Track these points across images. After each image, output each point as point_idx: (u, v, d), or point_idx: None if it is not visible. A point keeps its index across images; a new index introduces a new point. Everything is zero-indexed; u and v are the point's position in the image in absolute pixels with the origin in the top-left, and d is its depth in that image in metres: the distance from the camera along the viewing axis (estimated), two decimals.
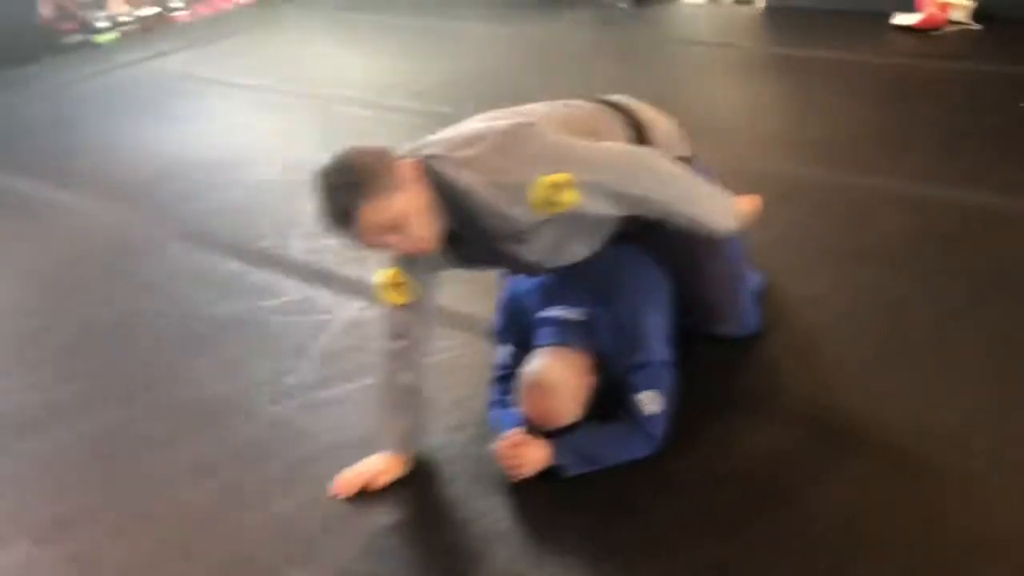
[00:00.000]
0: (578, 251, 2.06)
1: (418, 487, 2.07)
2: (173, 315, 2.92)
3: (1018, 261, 2.58)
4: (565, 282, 2.16)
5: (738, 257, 2.31)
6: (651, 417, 2.02)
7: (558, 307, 2.13)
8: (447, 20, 6.01)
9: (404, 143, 1.91)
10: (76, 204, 3.88)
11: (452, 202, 1.82)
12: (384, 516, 2.00)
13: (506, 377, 2.18)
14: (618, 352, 2.08)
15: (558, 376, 2.02)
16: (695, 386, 2.16)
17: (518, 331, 2.21)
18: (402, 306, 2.01)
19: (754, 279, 2.48)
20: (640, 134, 2.10)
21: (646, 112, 2.18)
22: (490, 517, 1.95)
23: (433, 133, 1.94)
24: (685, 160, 2.10)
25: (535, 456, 2.00)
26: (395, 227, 1.77)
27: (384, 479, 2.06)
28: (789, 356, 2.32)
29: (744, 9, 5.47)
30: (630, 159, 1.93)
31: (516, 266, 2.07)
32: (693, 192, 1.99)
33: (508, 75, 4.70)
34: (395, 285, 1.99)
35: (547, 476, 1.99)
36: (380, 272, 2.01)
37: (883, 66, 4.20)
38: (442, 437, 2.18)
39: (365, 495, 2.04)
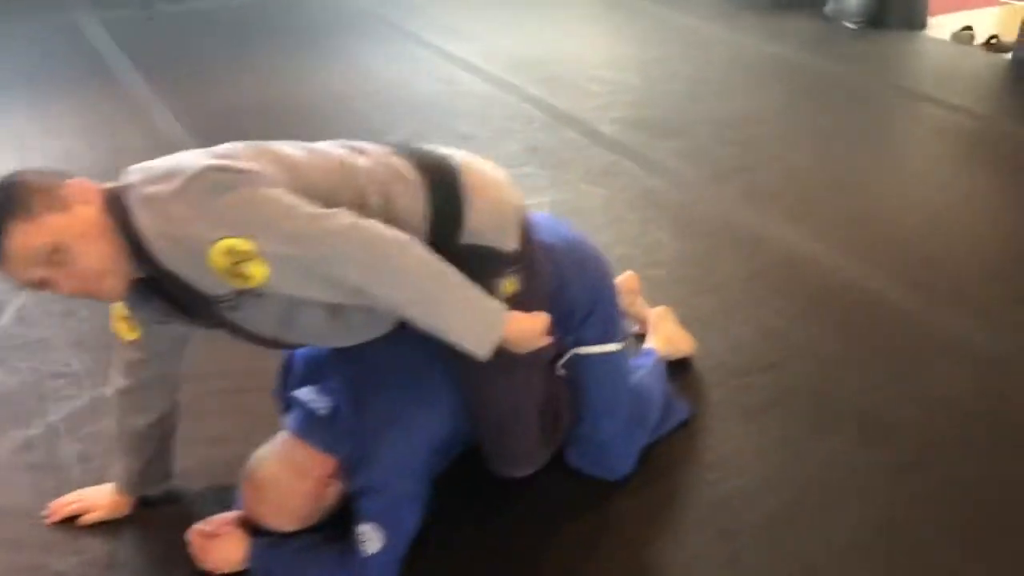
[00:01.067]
0: (328, 328, 1.68)
1: (114, 536, 1.88)
2: None
3: None
4: (333, 359, 1.82)
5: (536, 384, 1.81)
6: (367, 558, 1.67)
7: (310, 389, 1.79)
8: (666, 7, 5.52)
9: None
10: None
11: (136, 246, 1.53)
12: (61, 561, 1.83)
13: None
14: (353, 465, 1.72)
15: (276, 476, 1.73)
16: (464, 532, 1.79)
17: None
18: (132, 342, 1.79)
19: (648, 416, 1.98)
20: (445, 208, 1.65)
21: (474, 174, 1.70)
22: None
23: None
24: (507, 254, 1.68)
25: (227, 556, 1.74)
26: (52, 258, 1.51)
27: (95, 516, 1.91)
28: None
29: (992, 58, 4.45)
30: (354, 235, 1.50)
31: (249, 337, 1.72)
32: (439, 295, 1.55)
33: (693, 83, 4.19)
34: (122, 318, 1.77)
35: None
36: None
37: None
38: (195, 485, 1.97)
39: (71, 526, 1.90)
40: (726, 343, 2.39)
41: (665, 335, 2.25)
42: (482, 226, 1.67)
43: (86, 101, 4.26)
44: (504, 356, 1.64)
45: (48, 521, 1.91)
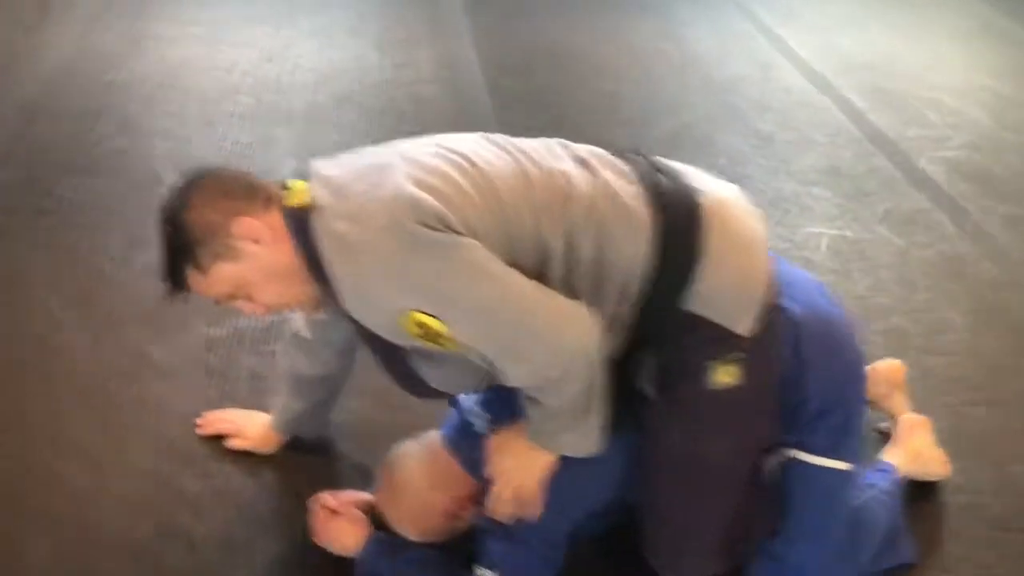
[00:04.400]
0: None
1: (249, 472, 1.80)
2: None
3: None
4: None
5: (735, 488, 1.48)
6: None
7: (478, 399, 1.58)
8: None
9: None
10: None
11: (317, 271, 1.34)
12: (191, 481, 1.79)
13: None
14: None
15: (414, 481, 1.58)
16: None
17: None
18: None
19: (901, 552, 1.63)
20: (680, 268, 1.34)
21: (723, 226, 1.36)
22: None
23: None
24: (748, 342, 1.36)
25: (341, 539, 1.62)
26: (234, 296, 1.42)
27: (241, 443, 1.85)
28: None
29: None
30: (550, 340, 1.29)
31: (413, 384, 1.50)
32: (579, 417, 1.37)
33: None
34: None
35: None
36: None
37: None
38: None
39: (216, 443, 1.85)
40: (995, 479, 1.90)
41: (914, 450, 1.80)
42: (715, 297, 1.35)
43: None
44: (699, 455, 1.37)
45: (199, 431, 1.88)
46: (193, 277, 1.38)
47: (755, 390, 1.39)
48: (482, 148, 1.38)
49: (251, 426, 1.84)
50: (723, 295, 1.35)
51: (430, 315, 1.25)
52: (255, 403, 1.90)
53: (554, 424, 1.38)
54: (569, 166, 1.36)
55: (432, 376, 1.41)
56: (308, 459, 1.83)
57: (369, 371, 1.84)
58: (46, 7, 3.89)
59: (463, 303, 1.26)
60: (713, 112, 3.48)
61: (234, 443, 1.84)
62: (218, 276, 1.37)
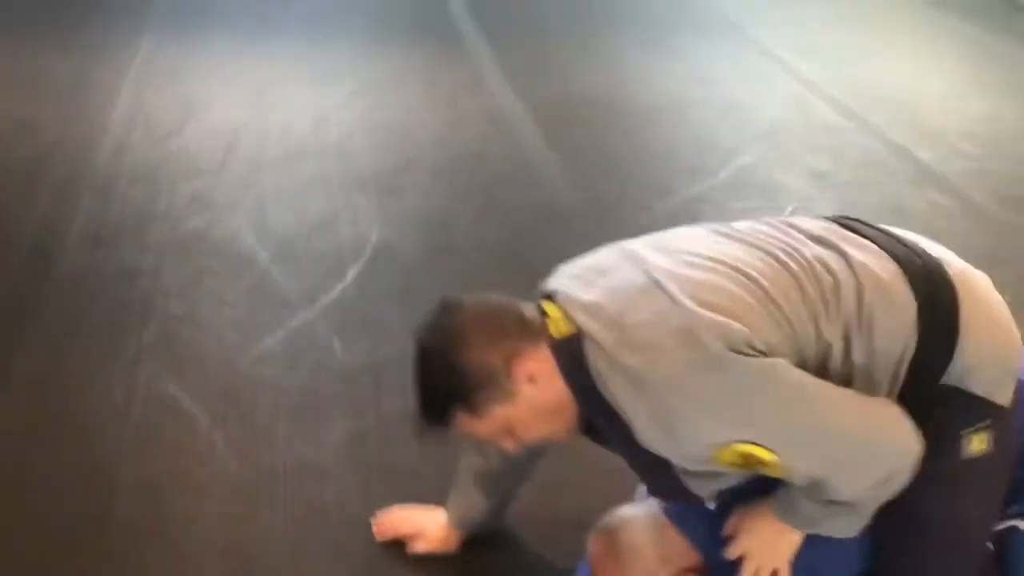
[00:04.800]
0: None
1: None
2: None
3: None
4: None
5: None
6: None
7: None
8: None
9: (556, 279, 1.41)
10: None
11: (596, 404, 1.31)
12: None
13: None
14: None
15: (641, 546, 1.52)
16: None
17: None
18: None
19: None
20: (941, 345, 1.32)
21: (975, 296, 1.35)
22: None
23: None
24: (995, 405, 1.35)
25: None
26: (499, 436, 1.40)
27: (423, 547, 1.77)
28: None
29: None
30: (878, 449, 1.27)
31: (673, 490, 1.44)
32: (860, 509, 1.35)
33: None
34: None
35: None
36: None
37: None
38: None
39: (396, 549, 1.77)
40: None
41: None
42: (975, 370, 1.34)
43: (424, 52, 4.24)
44: (956, 523, 1.37)
45: (378, 536, 1.79)
46: (463, 420, 1.34)
47: (1002, 456, 1.39)
48: (734, 249, 1.35)
49: (430, 526, 1.77)
50: (984, 369, 1.34)
51: (757, 444, 1.22)
52: (424, 494, 1.85)
53: (831, 511, 1.35)
54: (820, 251, 1.34)
55: (701, 487, 1.39)
56: (493, 556, 1.79)
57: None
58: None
59: (795, 430, 1.23)
60: (767, 155, 3.53)
61: (417, 547, 1.76)
62: (491, 419, 1.33)
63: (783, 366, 1.23)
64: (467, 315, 1.35)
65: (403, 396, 1.88)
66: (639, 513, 1.58)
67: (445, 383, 1.33)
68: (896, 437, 1.27)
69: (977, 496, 1.42)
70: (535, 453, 1.67)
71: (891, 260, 1.35)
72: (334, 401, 2.13)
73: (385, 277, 2.60)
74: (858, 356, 1.29)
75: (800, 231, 1.40)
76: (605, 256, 1.43)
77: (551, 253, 1.61)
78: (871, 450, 1.26)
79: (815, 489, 1.31)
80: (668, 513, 1.55)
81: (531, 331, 1.33)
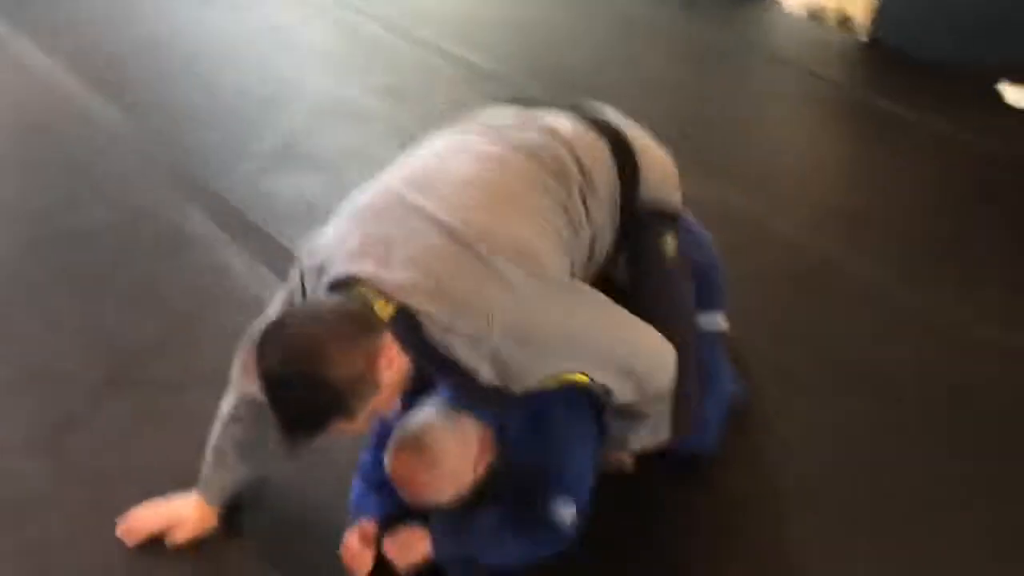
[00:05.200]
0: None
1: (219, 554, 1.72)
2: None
3: None
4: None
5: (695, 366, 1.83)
6: (563, 529, 1.68)
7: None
8: None
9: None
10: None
11: (438, 364, 1.43)
12: None
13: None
14: (530, 450, 1.70)
15: (446, 440, 1.64)
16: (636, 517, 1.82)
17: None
18: None
19: (727, 389, 2.04)
20: (627, 171, 1.65)
21: (639, 139, 1.71)
22: None
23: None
24: (672, 214, 1.72)
25: (411, 551, 1.67)
26: (368, 421, 1.46)
27: (185, 535, 1.73)
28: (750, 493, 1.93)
29: (844, 37, 4.84)
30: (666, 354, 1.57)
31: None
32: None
33: (567, 47, 4.19)
34: None
35: None
36: None
37: (986, 154, 3.59)
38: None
39: (153, 548, 1.71)
40: None
41: None
42: (656, 184, 1.69)
43: None
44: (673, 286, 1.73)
45: (129, 540, 1.72)
46: (337, 427, 1.38)
47: (685, 255, 1.75)
48: (484, 165, 1.52)
49: (185, 512, 1.73)
50: (660, 182, 1.69)
51: (578, 372, 1.45)
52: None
53: (634, 425, 1.64)
54: (557, 145, 1.58)
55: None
56: (256, 518, 1.79)
57: None
58: None
59: (604, 355, 1.48)
60: (338, 79, 3.63)
61: (178, 537, 1.72)
62: (363, 413, 1.39)
63: (586, 289, 1.51)
64: (309, 332, 1.34)
65: None
66: (432, 414, 1.67)
67: (321, 402, 1.34)
68: (663, 343, 1.56)
69: (683, 291, 1.75)
70: None
71: (576, 120, 1.64)
72: None
73: None
74: (595, 213, 1.58)
75: (555, 136, 1.60)
76: (376, 214, 1.48)
77: None
78: (659, 356, 1.55)
79: (622, 408, 1.57)
80: (455, 403, 1.67)
81: (370, 324, 1.37)
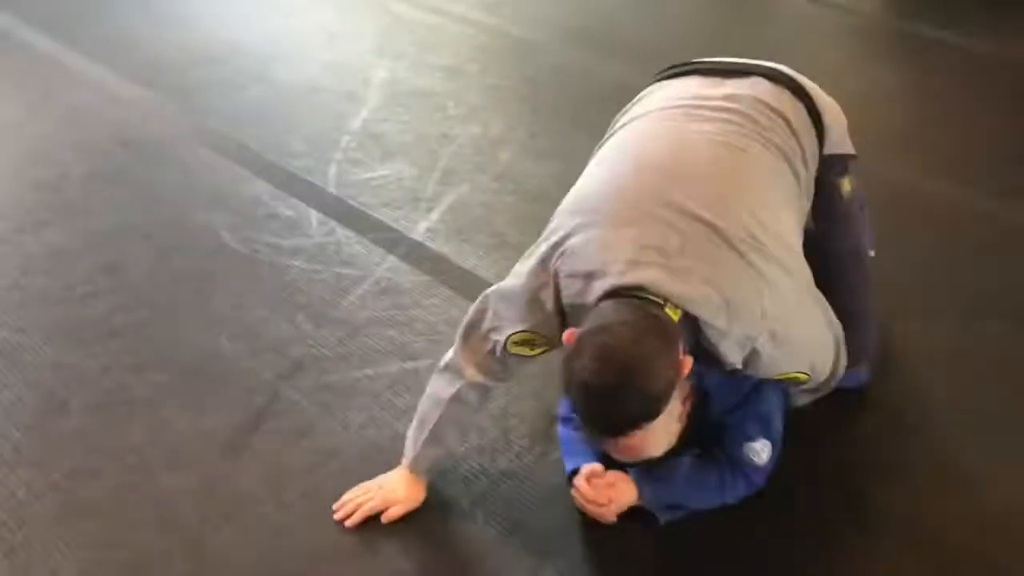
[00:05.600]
0: None
1: (442, 525, 1.79)
2: (175, 239, 2.65)
3: None
4: None
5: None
6: (760, 467, 1.77)
7: None
8: None
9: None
10: (88, 72, 3.61)
11: (694, 351, 1.52)
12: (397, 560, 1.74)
13: None
14: (727, 397, 1.78)
15: None
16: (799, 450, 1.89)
17: None
18: (526, 358, 1.68)
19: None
20: (819, 127, 1.76)
21: (814, 89, 1.80)
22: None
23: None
24: (849, 156, 1.85)
25: (622, 497, 1.73)
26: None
27: (400, 510, 1.78)
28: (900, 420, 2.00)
29: None
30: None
31: None
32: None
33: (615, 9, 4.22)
34: (525, 341, 1.66)
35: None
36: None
37: None
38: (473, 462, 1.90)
39: (373, 527, 1.77)
40: None
41: None
42: (834, 137, 1.79)
43: None
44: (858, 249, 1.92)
45: (349, 523, 1.77)
46: (640, 433, 1.46)
47: (860, 192, 1.90)
48: (717, 152, 1.61)
49: (400, 488, 1.78)
50: (838, 133, 1.80)
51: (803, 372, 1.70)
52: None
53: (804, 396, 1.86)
54: (763, 115, 1.69)
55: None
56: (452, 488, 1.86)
57: None
58: None
59: (818, 353, 1.74)
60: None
61: (394, 513, 1.77)
62: (663, 415, 1.46)
63: (813, 288, 1.69)
64: (632, 346, 1.41)
65: None
66: None
67: (640, 410, 1.42)
68: (834, 330, 1.77)
69: (859, 225, 1.92)
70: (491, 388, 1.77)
71: (769, 83, 1.74)
72: None
73: None
74: (810, 173, 1.74)
75: (705, 104, 1.69)
76: (639, 214, 1.53)
77: None
78: (834, 352, 1.77)
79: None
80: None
81: (675, 334, 1.45)
